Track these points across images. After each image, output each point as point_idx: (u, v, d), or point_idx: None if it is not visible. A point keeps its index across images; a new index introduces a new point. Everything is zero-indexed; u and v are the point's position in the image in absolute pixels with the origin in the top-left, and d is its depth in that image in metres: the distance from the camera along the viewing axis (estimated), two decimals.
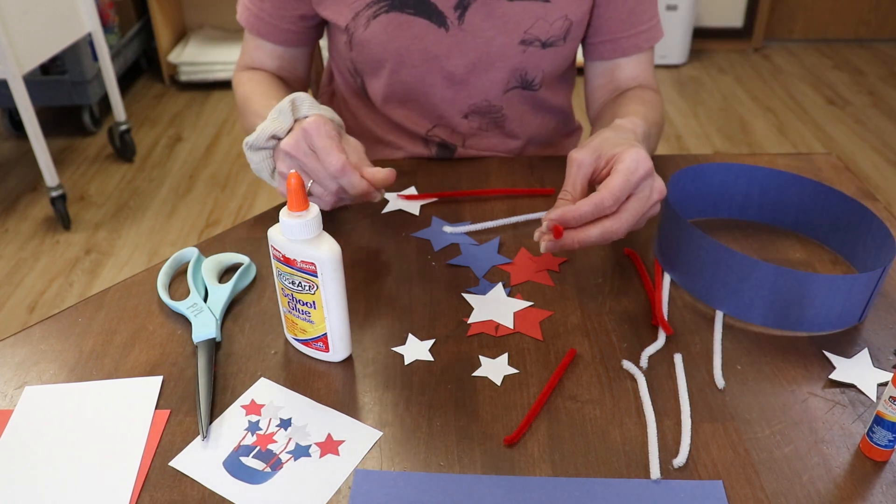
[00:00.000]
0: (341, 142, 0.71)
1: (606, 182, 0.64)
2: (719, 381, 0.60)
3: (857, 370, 0.61)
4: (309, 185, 0.70)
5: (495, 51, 0.87)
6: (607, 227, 0.64)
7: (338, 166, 0.67)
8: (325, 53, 2.03)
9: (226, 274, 0.73)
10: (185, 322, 0.66)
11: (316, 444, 0.55)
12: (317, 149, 0.68)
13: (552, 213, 0.65)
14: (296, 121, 0.72)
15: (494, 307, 0.68)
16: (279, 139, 0.72)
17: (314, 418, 0.57)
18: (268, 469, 0.53)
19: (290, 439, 0.55)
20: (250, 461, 0.54)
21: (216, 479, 0.52)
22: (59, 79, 2.50)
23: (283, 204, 0.66)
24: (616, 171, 0.64)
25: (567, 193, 0.67)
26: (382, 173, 0.71)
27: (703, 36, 3.54)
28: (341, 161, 0.67)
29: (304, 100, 0.73)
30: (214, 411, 0.58)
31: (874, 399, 0.59)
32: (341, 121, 0.76)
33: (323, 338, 0.60)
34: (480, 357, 0.62)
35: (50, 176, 2.11)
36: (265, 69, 0.93)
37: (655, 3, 0.92)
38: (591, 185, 0.69)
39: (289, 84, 0.94)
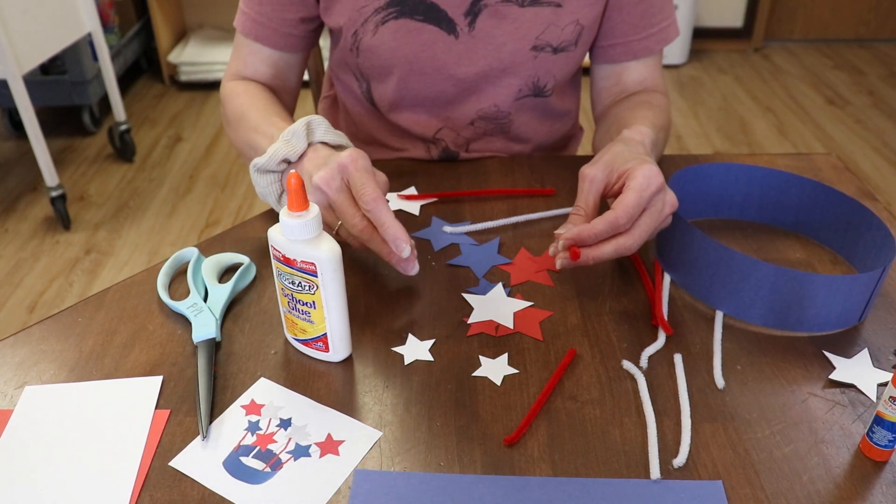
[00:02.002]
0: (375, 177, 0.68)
1: (620, 200, 0.64)
2: (719, 381, 0.60)
3: (857, 370, 0.61)
4: (336, 226, 0.68)
5: (506, 57, 0.86)
6: (621, 243, 0.64)
7: (372, 195, 0.64)
8: (324, 54, 2.03)
9: (226, 274, 0.73)
10: (185, 322, 0.66)
11: (316, 444, 0.55)
12: (352, 182, 0.66)
13: (568, 231, 0.65)
14: (309, 144, 0.71)
15: (494, 307, 0.68)
16: (290, 163, 0.71)
17: (314, 418, 0.57)
18: (268, 469, 0.53)
19: (290, 439, 0.55)
20: (250, 461, 0.54)
21: (216, 479, 0.52)
22: (59, 79, 2.51)
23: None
24: (629, 188, 0.64)
25: (580, 209, 0.68)
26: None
27: (703, 36, 3.54)
28: (376, 192, 0.64)
29: (319, 123, 0.72)
30: (214, 411, 0.58)
31: (874, 399, 0.59)
32: (351, 145, 0.75)
33: (323, 338, 0.60)
34: (480, 357, 0.62)
35: (50, 176, 2.11)
36: (258, 78, 0.91)
37: (670, 2, 0.90)
38: (603, 199, 0.69)
39: (280, 96, 0.92)
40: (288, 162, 0.71)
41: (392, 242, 0.64)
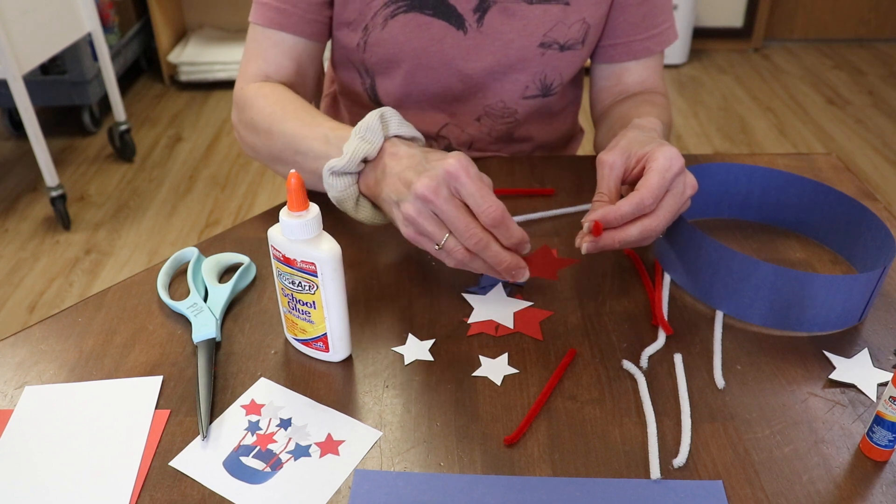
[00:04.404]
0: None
1: (643, 181, 0.64)
2: (719, 381, 0.60)
3: (857, 370, 0.61)
4: (444, 238, 0.62)
5: (514, 54, 0.87)
6: (647, 225, 0.64)
7: (497, 213, 0.60)
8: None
9: (226, 274, 0.73)
10: (185, 322, 0.66)
11: (316, 444, 0.55)
12: (466, 195, 0.61)
13: (592, 214, 0.64)
14: (385, 139, 0.67)
15: (494, 307, 0.68)
16: (367, 161, 0.67)
17: (314, 418, 0.57)
18: (268, 469, 0.53)
19: (290, 439, 0.55)
20: (250, 461, 0.54)
21: (216, 479, 0.52)
22: (59, 79, 2.50)
23: (283, 204, 0.65)
24: (651, 169, 0.64)
25: (603, 196, 0.67)
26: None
27: (703, 36, 3.54)
28: (500, 207, 0.60)
29: (392, 115, 0.68)
30: (214, 411, 0.58)
31: (874, 399, 0.59)
32: (424, 141, 0.72)
33: (323, 338, 0.60)
34: (480, 357, 0.62)
35: (50, 176, 2.11)
36: (281, 74, 0.86)
37: (670, 5, 0.91)
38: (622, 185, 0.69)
39: (300, 95, 0.87)
40: (365, 161, 0.67)
41: (518, 248, 0.63)
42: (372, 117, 0.66)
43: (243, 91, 0.84)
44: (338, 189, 0.68)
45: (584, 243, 0.65)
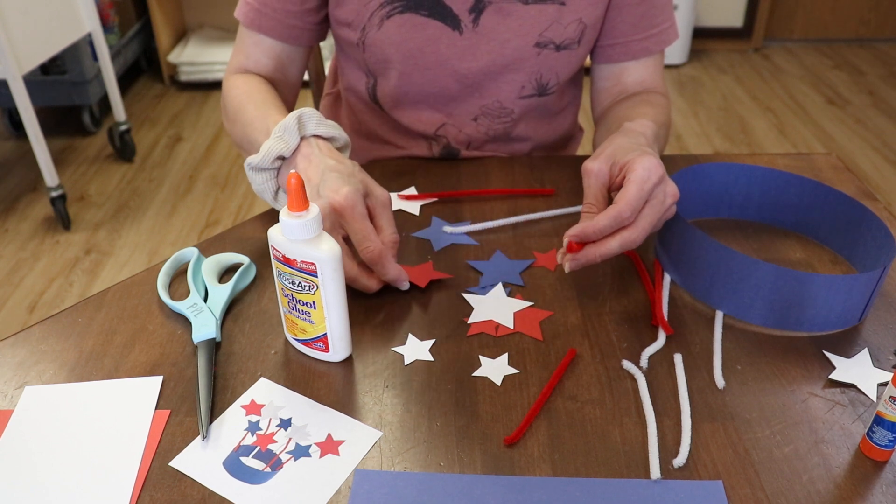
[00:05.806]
0: (368, 202, 0.67)
1: (622, 193, 0.64)
2: (719, 381, 0.60)
3: (857, 370, 0.61)
4: None
5: (510, 53, 0.87)
6: (626, 237, 0.64)
7: (374, 254, 0.64)
8: (323, 53, 2.03)
9: (226, 274, 0.73)
10: (185, 322, 0.66)
11: (316, 444, 0.55)
12: (349, 231, 0.65)
13: (572, 230, 0.65)
14: (302, 138, 0.71)
15: (494, 307, 0.68)
16: (285, 159, 0.71)
17: (314, 418, 0.57)
18: (268, 469, 0.53)
19: (290, 439, 0.55)
20: (250, 461, 0.54)
21: (216, 479, 0.52)
22: (59, 79, 2.50)
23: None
24: (629, 181, 0.64)
25: (592, 206, 0.68)
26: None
27: (703, 36, 3.54)
28: (378, 249, 0.64)
29: (311, 116, 0.71)
30: (214, 411, 0.58)
31: (874, 399, 0.59)
32: (348, 139, 0.75)
33: (323, 338, 0.60)
34: (480, 357, 0.62)
35: (50, 176, 2.11)
36: (260, 70, 0.90)
37: (670, 5, 0.91)
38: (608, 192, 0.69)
39: (280, 90, 0.91)
40: (282, 158, 0.71)
41: (399, 283, 0.67)
42: (291, 118, 0.70)
43: (224, 82, 0.90)
44: (257, 183, 0.73)
45: (566, 262, 0.66)
